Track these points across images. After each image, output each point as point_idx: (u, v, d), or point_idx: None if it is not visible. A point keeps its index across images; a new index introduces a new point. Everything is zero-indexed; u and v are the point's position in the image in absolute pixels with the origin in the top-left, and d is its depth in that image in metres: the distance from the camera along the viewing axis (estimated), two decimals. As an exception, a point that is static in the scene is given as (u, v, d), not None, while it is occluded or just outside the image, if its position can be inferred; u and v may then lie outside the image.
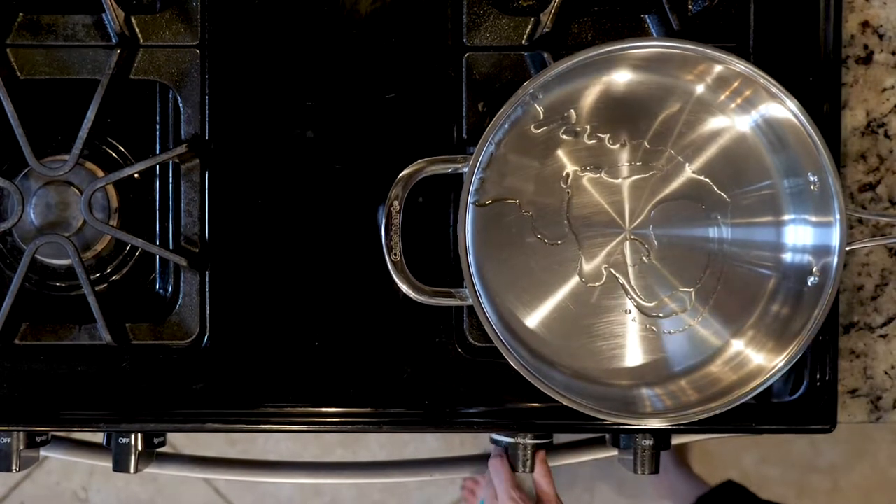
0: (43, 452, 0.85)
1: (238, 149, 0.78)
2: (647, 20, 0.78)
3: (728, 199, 0.76)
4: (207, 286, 0.77)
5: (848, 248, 0.71)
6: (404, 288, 0.70)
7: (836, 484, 1.82)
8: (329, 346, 0.78)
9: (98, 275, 0.81)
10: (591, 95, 0.75)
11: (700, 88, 0.74)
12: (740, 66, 0.69)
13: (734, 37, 0.77)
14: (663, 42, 0.71)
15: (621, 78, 0.74)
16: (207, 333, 0.78)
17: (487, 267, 0.74)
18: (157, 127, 0.80)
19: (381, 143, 0.78)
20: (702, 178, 0.76)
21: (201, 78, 0.77)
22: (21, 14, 0.77)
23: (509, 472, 0.83)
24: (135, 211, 0.80)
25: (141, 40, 0.77)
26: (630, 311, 0.76)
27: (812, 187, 0.72)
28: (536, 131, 0.75)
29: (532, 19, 0.76)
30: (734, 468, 1.80)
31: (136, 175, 0.80)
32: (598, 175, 0.76)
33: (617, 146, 0.75)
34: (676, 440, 0.86)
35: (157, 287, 0.81)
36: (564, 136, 0.75)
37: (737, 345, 0.75)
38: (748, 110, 0.74)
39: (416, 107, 0.78)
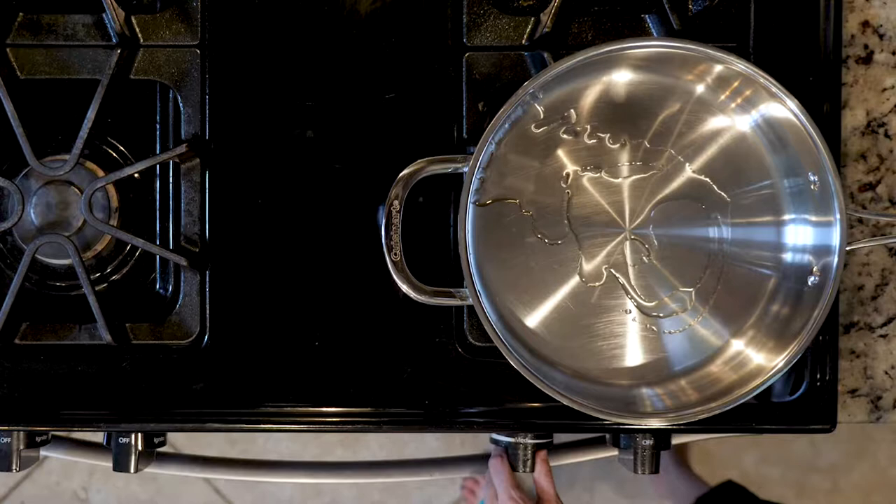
0: (43, 452, 0.85)
1: (238, 149, 0.78)
2: (648, 20, 0.78)
3: (728, 199, 0.76)
4: (207, 286, 0.77)
5: (848, 248, 0.71)
6: (404, 288, 0.70)
7: (836, 484, 1.82)
8: (329, 346, 0.78)
9: (98, 274, 0.81)
10: (591, 95, 0.75)
11: (700, 88, 0.74)
12: (740, 65, 0.69)
13: (734, 36, 0.78)
14: (663, 42, 0.71)
15: (621, 78, 0.74)
16: (207, 333, 0.78)
17: (487, 267, 0.74)
18: (157, 127, 0.80)
19: (381, 143, 0.78)
20: (702, 177, 0.76)
21: (201, 78, 0.77)
22: (21, 14, 0.77)
23: (509, 472, 0.83)
24: (135, 211, 0.80)
25: (141, 40, 0.77)
26: (630, 311, 0.76)
27: (812, 187, 0.72)
28: (536, 131, 0.75)
29: (532, 19, 0.76)
30: (734, 468, 1.80)
31: (136, 175, 0.80)
32: (598, 175, 0.76)
33: (617, 146, 0.75)
34: (676, 440, 0.86)
35: (158, 287, 0.81)
36: (564, 136, 0.75)
37: (737, 345, 0.75)
38: (748, 110, 0.74)
39: (416, 107, 0.78)
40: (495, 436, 0.84)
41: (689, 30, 0.75)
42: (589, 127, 0.75)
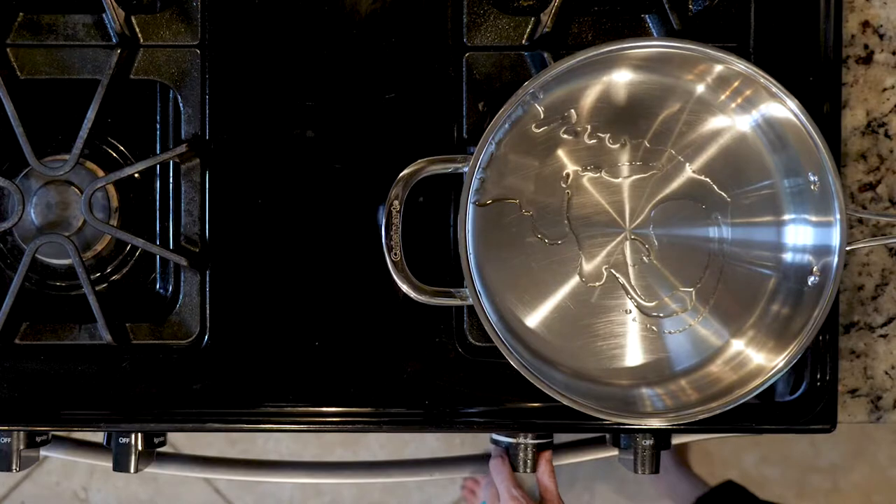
0: (43, 452, 0.85)
1: (238, 149, 0.78)
2: (648, 20, 0.78)
3: (728, 199, 0.76)
4: (207, 286, 0.77)
5: (848, 248, 0.71)
6: (404, 288, 0.70)
7: (836, 484, 1.82)
8: (329, 346, 0.78)
9: (98, 274, 0.81)
10: (591, 95, 0.75)
11: (700, 88, 0.74)
12: (741, 65, 0.69)
13: (734, 36, 0.78)
14: (663, 42, 0.71)
15: (621, 78, 0.74)
16: (207, 333, 0.78)
17: (487, 267, 0.74)
18: (158, 127, 0.80)
19: (381, 143, 0.78)
20: (702, 177, 0.76)
21: (201, 78, 0.77)
22: (21, 14, 0.77)
23: (510, 472, 0.83)
24: (135, 211, 0.80)
25: (141, 40, 0.77)
26: (630, 311, 0.76)
27: (812, 187, 0.72)
28: (537, 131, 0.75)
29: (532, 19, 0.76)
30: (734, 468, 1.80)
31: (136, 175, 0.80)
32: (598, 175, 0.76)
33: (617, 146, 0.75)
34: (676, 440, 0.86)
35: (158, 287, 0.81)
36: (565, 136, 0.75)
37: (737, 344, 0.75)
38: (748, 110, 0.74)
39: (416, 107, 0.78)
40: (495, 436, 0.84)
41: (689, 30, 0.75)
42: (589, 127, 0.75)
